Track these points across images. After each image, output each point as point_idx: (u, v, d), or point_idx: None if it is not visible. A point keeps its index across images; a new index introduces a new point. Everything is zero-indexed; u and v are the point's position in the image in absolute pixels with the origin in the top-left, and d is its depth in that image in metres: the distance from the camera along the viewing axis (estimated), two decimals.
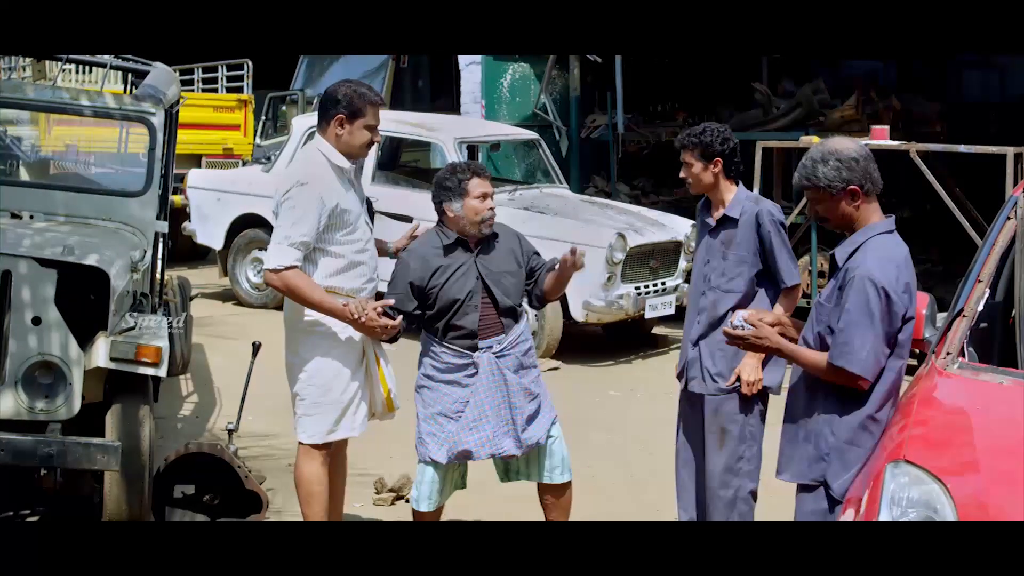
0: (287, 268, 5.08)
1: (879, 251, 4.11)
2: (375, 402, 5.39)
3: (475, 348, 5.28)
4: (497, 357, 5.28)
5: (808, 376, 4.26)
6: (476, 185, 5.24)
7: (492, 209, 5.27)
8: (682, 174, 5.42)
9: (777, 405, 4.76)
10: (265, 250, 6.34)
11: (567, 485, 5.46)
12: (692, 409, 5.48)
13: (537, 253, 5.50)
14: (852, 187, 4.15)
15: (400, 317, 5.19)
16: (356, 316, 5.07)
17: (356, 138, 5.23)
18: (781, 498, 4.58)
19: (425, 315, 5.31)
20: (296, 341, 5.31)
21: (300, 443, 5.34)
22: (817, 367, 4.18)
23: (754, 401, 5.32)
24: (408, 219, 9.80)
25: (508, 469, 5.49)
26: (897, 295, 4.05)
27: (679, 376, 5.54)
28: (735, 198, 5.36)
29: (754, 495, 5.31)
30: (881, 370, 4.10)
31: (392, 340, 5.32)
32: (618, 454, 7.63)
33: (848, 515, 3.81)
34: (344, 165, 5.22)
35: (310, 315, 5.22)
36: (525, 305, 5.50)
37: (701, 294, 5.41)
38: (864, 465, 4.07)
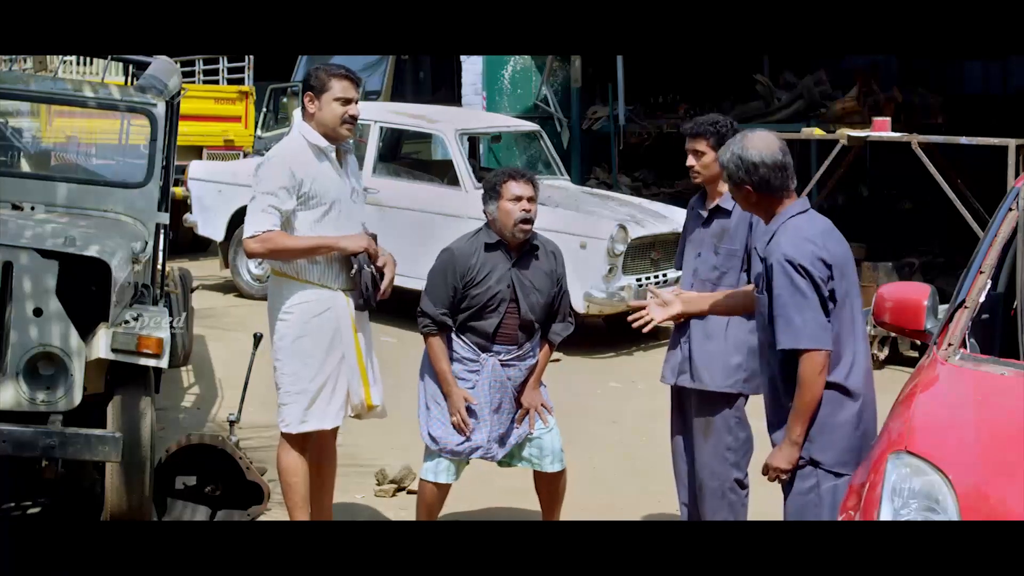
0: (265, 232, 5.11)
1: (790, 232, 4.26)
2: (354, 394, 5.34)
3: (485, 350, 5.34)
4: (502, 364, 5.35)
5: (771, 371, 4.36)
6: (511, 188, 5.26)
7: (527, 211, 5.26)
8: (690, 162, 5.26)
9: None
10: None
11: (560, 474, 5.52)
12: (681, 401, 5.45)
13: (565, 292, 5.53)
14: (745, 186, 4.35)
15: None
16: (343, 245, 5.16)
17: (327, 112, 5.21)
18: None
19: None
20: (272, 330, 5.34)
21: (281, 432, 5.36)
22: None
23: (736, 394, 5.29)
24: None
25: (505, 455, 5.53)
26: (814, 266, 4.17)
27: (664, 375, 5.48)
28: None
29: (740, 484, 5.30)
30: (835, 336, 4.19)
31: (365, 307, 5.29)
32: (619, 445, 7.63)
33: (849, 504, 3.81)
34: (320, 144, 5.22)
35: (280, 304, 5.25)
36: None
37: (690, 287, 5.32)
38: (848, 432, 4.18)
